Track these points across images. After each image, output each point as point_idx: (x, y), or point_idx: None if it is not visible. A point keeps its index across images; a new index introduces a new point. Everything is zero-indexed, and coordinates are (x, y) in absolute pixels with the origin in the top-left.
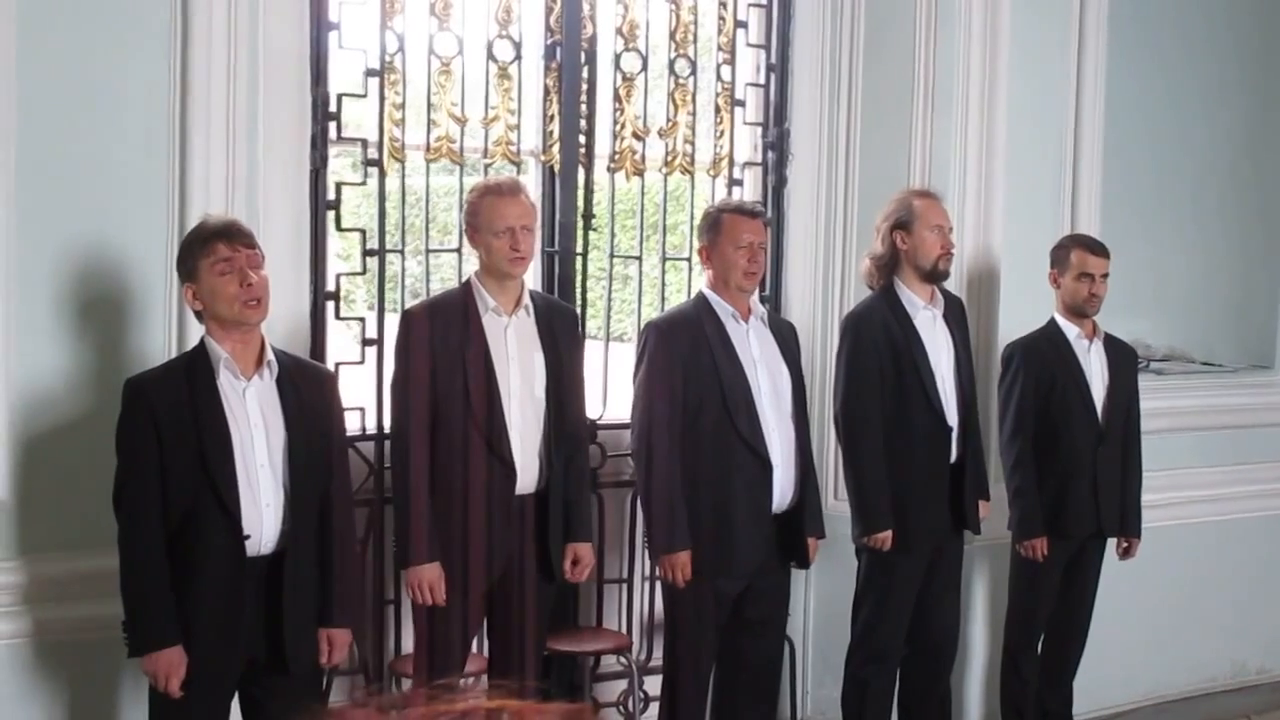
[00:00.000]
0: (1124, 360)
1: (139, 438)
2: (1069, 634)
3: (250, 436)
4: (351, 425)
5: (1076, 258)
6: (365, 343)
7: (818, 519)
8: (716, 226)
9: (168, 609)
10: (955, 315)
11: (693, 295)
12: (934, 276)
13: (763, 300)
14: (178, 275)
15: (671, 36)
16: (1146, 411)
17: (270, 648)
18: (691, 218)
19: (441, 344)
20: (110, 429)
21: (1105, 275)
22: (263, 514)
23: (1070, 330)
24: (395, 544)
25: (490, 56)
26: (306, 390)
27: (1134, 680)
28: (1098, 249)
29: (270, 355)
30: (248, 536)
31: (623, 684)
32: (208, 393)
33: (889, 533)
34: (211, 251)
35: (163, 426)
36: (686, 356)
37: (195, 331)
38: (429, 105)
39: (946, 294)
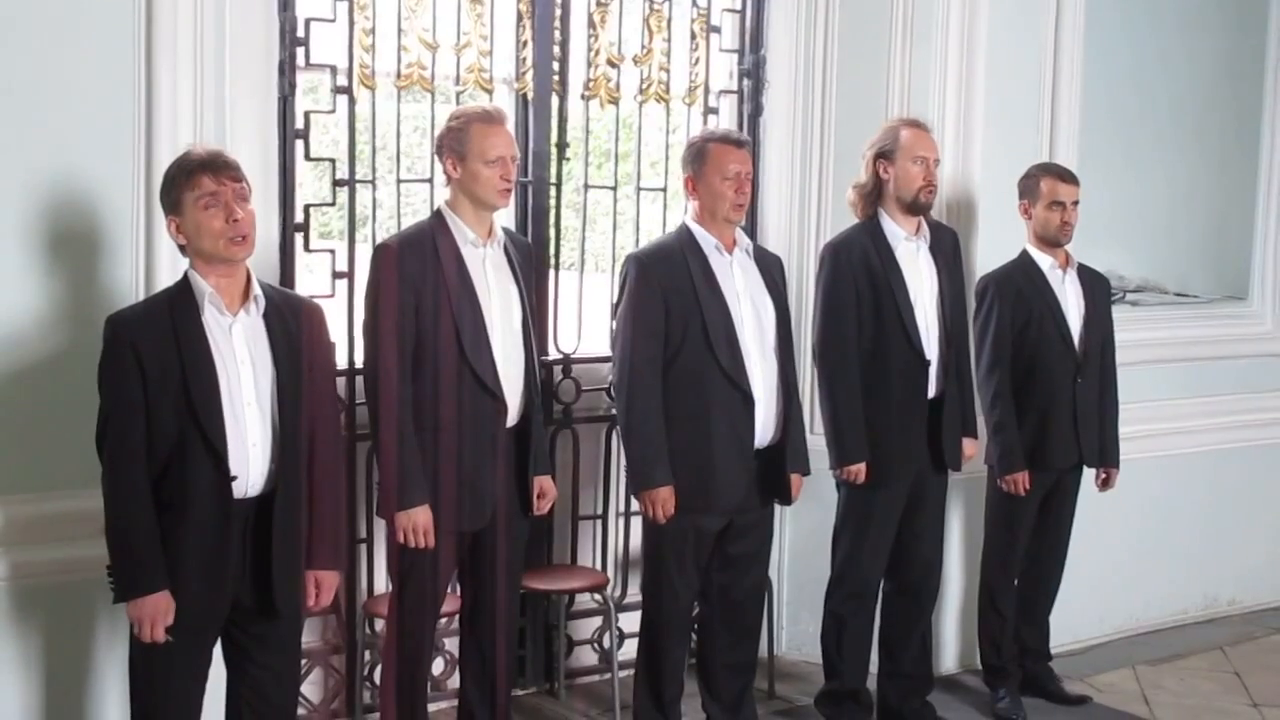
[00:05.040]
0: (1098, 289)
1: (122, 377)
2: (1046, 567)
3: (237, 374)
4: None
5: (1046, 186)
6: (336, 275)
7: (801, 455)
8: (702, 156)
9: (154, 553)
10: (945, 249)
11: (676, 227)
12: (915, 208)
13: None
14: (161, 207)
15: None
16: (1120, 343)
17: (256, 591)
18: (667, 148)
19: (420, 279)
20: (80, 365)
21: (1076, 203)
22: (249, 453)
23: (1044, 261)
24: (380, 488)
25: None
26: (294, 326)
27: (1107, 613)
28: (1067, 176)
29: (257, 289)
30: (234, 477)
31: (598, 621)
32: (192, 329)
33: (862, 465)
34: (196, 184)
35: (147, 365)
36: (668, 289)
37: (165, 265)
38: (399, 31)
39: (938, 226)
